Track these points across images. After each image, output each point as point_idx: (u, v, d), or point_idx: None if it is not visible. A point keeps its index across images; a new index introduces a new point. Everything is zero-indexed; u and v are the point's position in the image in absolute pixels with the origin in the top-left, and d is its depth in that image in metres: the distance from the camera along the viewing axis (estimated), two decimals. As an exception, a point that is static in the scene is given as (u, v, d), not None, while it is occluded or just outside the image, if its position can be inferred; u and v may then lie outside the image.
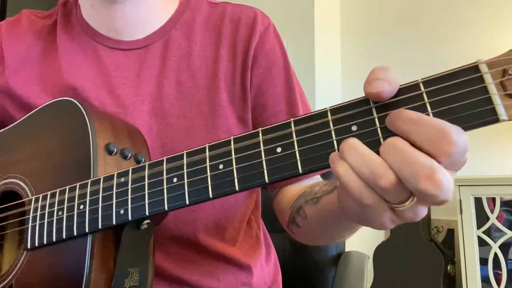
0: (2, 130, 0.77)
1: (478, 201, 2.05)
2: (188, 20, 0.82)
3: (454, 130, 0.35)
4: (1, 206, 0.71)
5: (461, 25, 2.40)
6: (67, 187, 0.59)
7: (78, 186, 0.58)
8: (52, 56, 0.81)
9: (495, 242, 2.02)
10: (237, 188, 0.46)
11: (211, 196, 0.47)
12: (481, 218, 2.04)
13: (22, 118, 0.74)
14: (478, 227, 2.04)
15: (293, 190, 0.75)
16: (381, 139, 0.40)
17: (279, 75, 0.80)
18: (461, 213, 2.05)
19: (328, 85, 2.42)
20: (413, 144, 0.37)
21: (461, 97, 0.37)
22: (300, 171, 0.43)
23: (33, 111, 0.72)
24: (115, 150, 0.61)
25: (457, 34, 2.40)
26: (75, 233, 0.56)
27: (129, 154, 0.63)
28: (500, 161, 2.16)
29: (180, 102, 0.76)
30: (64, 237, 0.58)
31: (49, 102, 0.70)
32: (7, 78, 0.80)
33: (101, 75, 0.78)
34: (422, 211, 0.40)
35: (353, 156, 0.39)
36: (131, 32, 0.80)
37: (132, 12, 0.78)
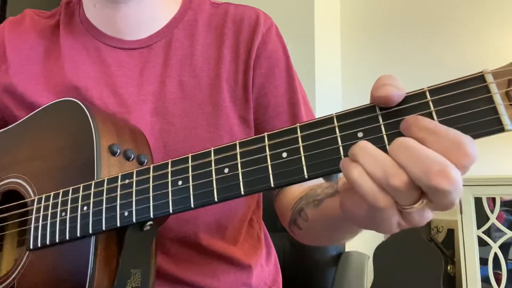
0: (4, 129, 0.77)
1: (478, 201, 2.05)
2: (190, 20, 0.82)
3: (468, 142, 0.36)
4: (3, 206, 0.71)
5: (462, 26, 2.40)
6: (71, 188, 0.59)
7: (81, 187, 0.58)
8: (55, 56, 0.81)
9: (495, 242, 2.02)
10: (242, 192, 0.46)
11: (216, 199, 0.47)
12: (481, 218, 2.04)
13: (25, 118, 0.74)
14: (478, 227, 2.03)
15: (294, 191, 0.75)
16: (387, 146, 0.40)
17: (281, 76, 0.80)
18: (461, 213, 2.05)
19: (328, 85, 2.41)
20: None
21: (467, 106, 0.37)
22: (306, 176, 0.43)
23: (36, 110, 0.73)
24: (119, 151, 0.61)
25: (457, 35, 2.39)
26: (78, 234, 0.56)
27: (132, 155, 0.63)
28: (500, 161, 2.16)
29: (182, 102, 0.76)
30: (67, 238, 0.58)
31: (52, 102, 0.70)
32: (10, 77, 0.80)
33: (103, 74, 0.78)
34: (429, 215, 0.40)
35: (365, 158, 0.39)
36: (134, 32, 0.80)
37: (135, 12, 0.79)
